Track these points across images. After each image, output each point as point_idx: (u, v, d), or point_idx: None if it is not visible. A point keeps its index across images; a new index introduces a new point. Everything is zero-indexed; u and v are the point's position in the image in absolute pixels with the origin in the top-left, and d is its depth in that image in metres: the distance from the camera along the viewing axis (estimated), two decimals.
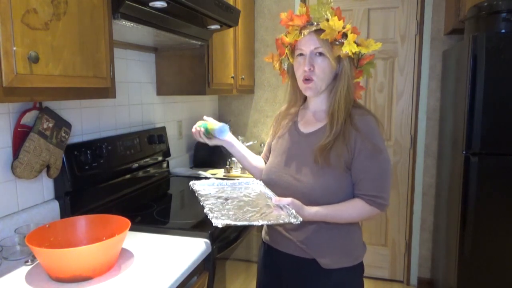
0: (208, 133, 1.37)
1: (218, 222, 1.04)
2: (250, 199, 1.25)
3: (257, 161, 1.44)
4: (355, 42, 1.16)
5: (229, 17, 1.90)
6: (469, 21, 2.14)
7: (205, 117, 1.43)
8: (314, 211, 1.13)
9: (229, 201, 1.24)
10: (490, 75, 1.95)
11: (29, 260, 1.18)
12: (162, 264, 1.18)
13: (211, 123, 1.38)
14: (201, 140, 1.38)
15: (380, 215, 2.88)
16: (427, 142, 2.79)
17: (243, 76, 2.78)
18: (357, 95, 1.26)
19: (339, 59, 1.18)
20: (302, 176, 1.19)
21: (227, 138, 1.38)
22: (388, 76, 2.84)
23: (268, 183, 1.28)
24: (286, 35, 1.24)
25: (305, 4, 1.21)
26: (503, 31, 1.96)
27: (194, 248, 1.30)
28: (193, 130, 1.39)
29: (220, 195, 1.30)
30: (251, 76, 3.02)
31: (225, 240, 1.48)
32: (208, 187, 1.37)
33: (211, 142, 1.39)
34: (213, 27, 1.93)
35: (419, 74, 2.75)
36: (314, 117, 1.26)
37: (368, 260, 2.98)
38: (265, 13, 3.02)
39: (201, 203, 1.20)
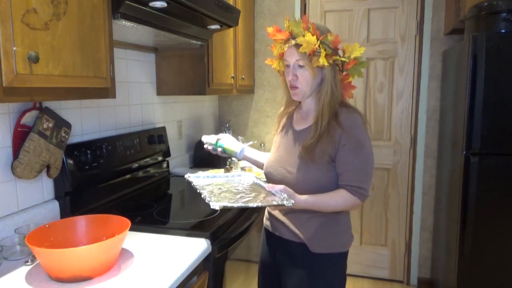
0: (225, 152, 1.53)
1: (216, 204, 1.13)
2: (244, 187, 1.37)
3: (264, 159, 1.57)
4: (336, 49, 1.28)
5: (229, 17, 1.90)
6: (469, 21, 2.14)
7: (220, 135, 1.57)
8: (304, 199, 1.23)
9: (224, 188, 1.35)
10: (490, 75, 1.95)
11: (29, 260, 1.18)
12: (162, 264, 1.18)
13: (228, 145, 1.53)
14: (214, 152, 1.56)
15: (380, 216, 2.92)
16: (427, 142, 2.79)
17: (243, 76, 2.78)
18: (348, 94, 1.36)
19: (321, 67, 1.27)
20: (293, 169, 1.31)
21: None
22: (388, 76, 2.84)
23: (267, 176, 1.42)
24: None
25: (288, 20, 1.30)
26: (503, 31, 1.96)
27: (194, 248, 1.30)
28: (208, 147, 1.55)
29: (215, 185, 1.41)
30: (251, 76, 3.02)
31: (225, 240, 1.48)
32: (203, 179, 1.48)
33: (224, 155, 1.57)
34: (213, 27, 1.93)
35: (419, 74, 2.75)
36: (306, 115, 1.38)
37: (368, 260, 2.99)
38: (265, 13, 3.02)
39: (198, 191, 1.30)
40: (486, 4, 2.01)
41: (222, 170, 2.50)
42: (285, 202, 1.15)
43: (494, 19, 1.98)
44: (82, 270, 1.05)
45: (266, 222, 1.49)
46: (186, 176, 1.49)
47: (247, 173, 1.52)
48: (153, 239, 1.37)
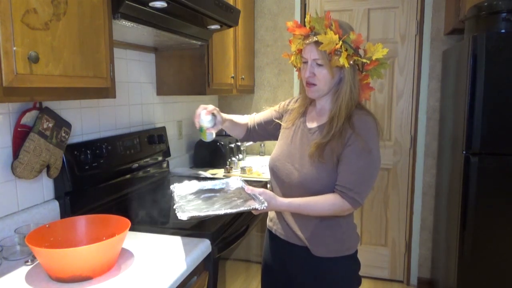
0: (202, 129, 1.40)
1: (184, 215, 1.13)
2: (226, 193, 1.36)
3: (241, 119, 1.56)
4: (357, 49, 1.22)
5: (229, 17, 1.90)
6: (469, 21, 2.14)
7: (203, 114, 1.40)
8: (287, 202, 1.21)
9: (203, 196, 1.35)
10: (490, 75, 1.95)
11: (29, 260, 1.18)
12: (162, 264, 1.18)
13: (205, 129, 1.39)
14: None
15: (380, 215, 2.92)
16: (427, 142, 2.79)
17: (243, 76, 2.78)
18: (365, 96, 1.31)
19: (341, 67, 1.22)
20: (300, 166, 1.26)
21: (216, 129, 1.42)
22: (388, 76, 2.84)
23: (273, 170, 1.36)
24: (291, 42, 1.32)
25: (310, 15, 1.24)
26: (503, 31, 1.96)
27: (194, 248, 1.30)
28: (196, 117, 1.39)
29: (198, 194, 1.39)
30: (251, 76, 3.02)
31: (225, 240, 1.48)
32: (188, 188, 1.45)
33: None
34: (213, 27, 1.93)
35: (419, 74, 2.75)
36: (319, 114, 1.34)
37: (368, 260, 2.99)
38: (265, 13, 3.02)
39: (173, 201, 1.30)
40: (486, 4, 2.01)
41: (222, 170, 2.50)
42: (257, 206, 1.14)
43: (494, 19, 1.98)
44: (82, 270, 1.05)
45: (269, 223, 1.45)
46: (171, 187, 1.45)
47: (234, 178, 1.49)
48: (153, 239, 1.37)
